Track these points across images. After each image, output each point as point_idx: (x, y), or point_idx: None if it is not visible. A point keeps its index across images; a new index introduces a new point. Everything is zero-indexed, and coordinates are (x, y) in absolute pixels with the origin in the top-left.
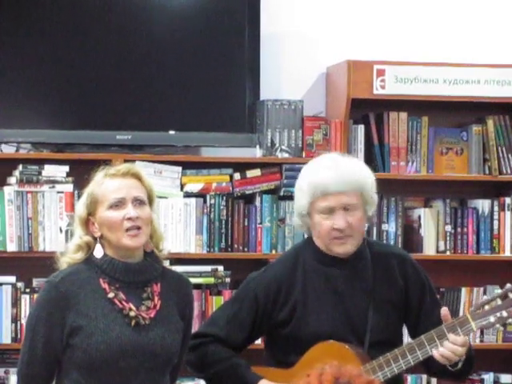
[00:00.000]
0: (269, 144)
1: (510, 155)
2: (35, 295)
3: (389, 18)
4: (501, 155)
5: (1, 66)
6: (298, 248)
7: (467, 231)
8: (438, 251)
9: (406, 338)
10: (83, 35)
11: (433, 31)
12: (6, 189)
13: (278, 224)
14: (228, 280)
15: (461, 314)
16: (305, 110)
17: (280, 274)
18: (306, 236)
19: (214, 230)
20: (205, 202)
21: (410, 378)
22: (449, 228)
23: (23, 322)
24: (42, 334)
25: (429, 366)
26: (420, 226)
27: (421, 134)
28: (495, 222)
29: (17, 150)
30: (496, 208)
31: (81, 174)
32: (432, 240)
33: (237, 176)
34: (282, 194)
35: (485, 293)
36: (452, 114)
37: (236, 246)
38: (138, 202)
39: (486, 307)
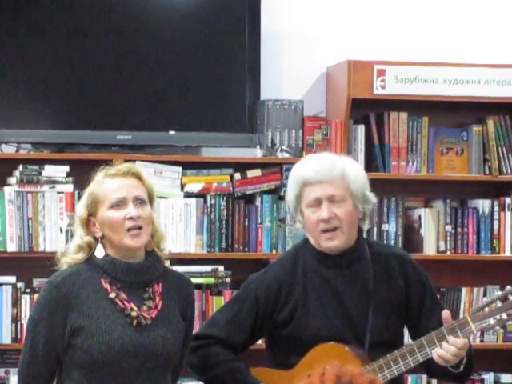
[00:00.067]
0: (269, 144)
1: (510, 155)
2: (35, 295)
3: (389, 18)
4: (501, 155)
5: (1, 65)
6: (298, 248)
7: (467, 231)
8: (438, 251)
9: (407, 339)
10: (83, 35)
11: (433, 31)
12: (7, 189)
13: (278, 224)
14: (228, 280)
15: (461, 314)
16: (305, 110)
17: (280, 274)
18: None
19: (215, 230)
20: (205, 202)
21: (410, 378)
22: (449, 228)
23: (23, 322)
24: (43, 334)
25: (429, 367)
26: (420, 226)
27: (421, 134)
28: (495, 222)
29: (17, 150)
30: (496, 208)
31: (81, 174)
32: (432, 240)
33: (237, 176)
34: (282, 194)
35: (485, 293)
36: (452, 114)
37: (236, 246)
38: (138, 201)
39: (486, 309)
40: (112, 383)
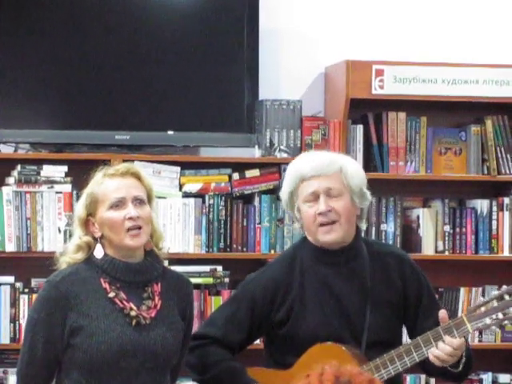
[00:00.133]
0: (267, 144)
1: (508, 155)
2: (34, 295)
3: (388, 18)
4: (499, 155)
5: (1, 65)
6: (295, 247)
7: (466, 231)
8: (436, 251)
9: (406, 339)
10: (82, 35)
11: (432, 31)
12: (5, 189)
13: (276, 224)
14: (227, 280)
15: (459, 313)
16: (303, 110)
17: (277, 274)
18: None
19: (213, 230)
20: (203, 202)
21: (408, 378)
22: (447, 228)
23: (22, 322)
24: (42, 334)
25: (426, 367)
26: (419, 225)
27: (419, 134)
28: (494, 222)
29: (15, 150)
30: (495, 208)
31: (79, 174)
32: (431, 240)
33: (235, 176)
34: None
35: (483, 293)
36: (451, 114)
37: (235, 246)
38: (138, 201)
39: (482, 309)
40: (111, 383)
